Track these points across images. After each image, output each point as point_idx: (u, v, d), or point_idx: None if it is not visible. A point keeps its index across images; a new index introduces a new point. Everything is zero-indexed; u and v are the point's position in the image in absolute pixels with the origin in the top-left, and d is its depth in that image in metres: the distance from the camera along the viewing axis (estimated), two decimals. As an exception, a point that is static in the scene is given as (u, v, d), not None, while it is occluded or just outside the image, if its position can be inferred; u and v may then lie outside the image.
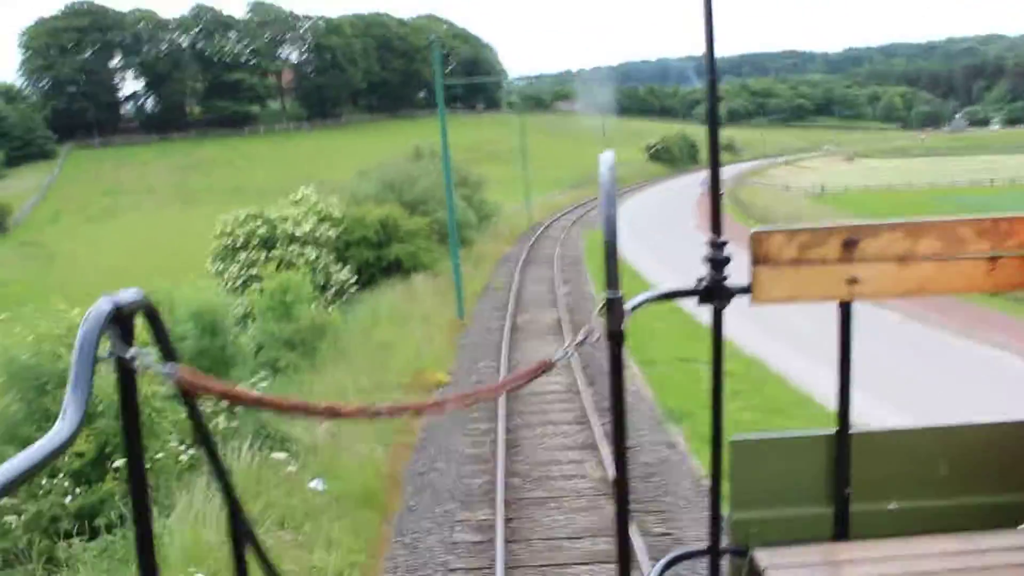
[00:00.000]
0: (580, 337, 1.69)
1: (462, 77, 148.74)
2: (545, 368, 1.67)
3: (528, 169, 50.27)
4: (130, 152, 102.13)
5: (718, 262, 2.06)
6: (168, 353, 1.47)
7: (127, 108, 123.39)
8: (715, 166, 2.11)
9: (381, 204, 27.92)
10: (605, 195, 1.80)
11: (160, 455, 8.36)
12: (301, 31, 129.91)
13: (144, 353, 1.35)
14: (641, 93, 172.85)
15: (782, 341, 15.23)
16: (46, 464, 1.14)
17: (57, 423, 1.18)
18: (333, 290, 22.59)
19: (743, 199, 52.39)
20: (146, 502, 1.51)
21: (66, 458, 7.98)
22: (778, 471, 2.34)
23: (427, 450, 10.74)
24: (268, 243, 22.60)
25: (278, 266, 20.11)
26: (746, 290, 2.13)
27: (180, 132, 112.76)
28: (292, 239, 22.39)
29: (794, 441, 2.39)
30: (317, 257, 22.36)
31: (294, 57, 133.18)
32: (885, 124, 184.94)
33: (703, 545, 2.34)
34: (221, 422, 9.52)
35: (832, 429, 2.33)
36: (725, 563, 2.35)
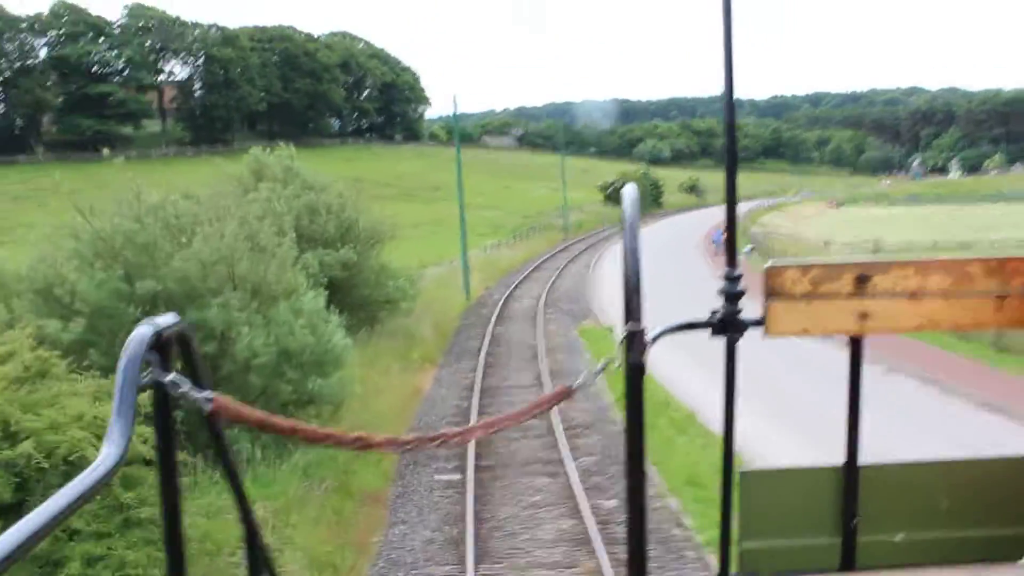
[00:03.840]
0: (600, 365, 1.75)
1: (377, 102, 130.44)
2: (565, 395, 1.76)
3: (463, 211, 31.89)
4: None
5: (732, 295, 2.04)
6: (201, 379, 1.47)
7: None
8: (731, 203, 2.12)
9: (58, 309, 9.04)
10: (628, 228, 1.79)
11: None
12: (189, 41, 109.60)
13: (182, 380, 1.38)
14: (579, 129, 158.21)
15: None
16: (97, 491, 1.13)
17: (104, 448, 1.17)
18: None
19: (779, 255, 34.76)
20: (179, 528, 1.49)
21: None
22: (787, 501, 2.33)
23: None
24: None
25: None
26: (760, 323, 2.11)
27: (28, 155, 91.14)
28: None
29: (802, 472, 2.40)
30: None
31: (179, 71, 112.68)
32: (835, 169, 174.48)
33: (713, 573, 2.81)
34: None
35: (840, 462, 2.29)
36: None
